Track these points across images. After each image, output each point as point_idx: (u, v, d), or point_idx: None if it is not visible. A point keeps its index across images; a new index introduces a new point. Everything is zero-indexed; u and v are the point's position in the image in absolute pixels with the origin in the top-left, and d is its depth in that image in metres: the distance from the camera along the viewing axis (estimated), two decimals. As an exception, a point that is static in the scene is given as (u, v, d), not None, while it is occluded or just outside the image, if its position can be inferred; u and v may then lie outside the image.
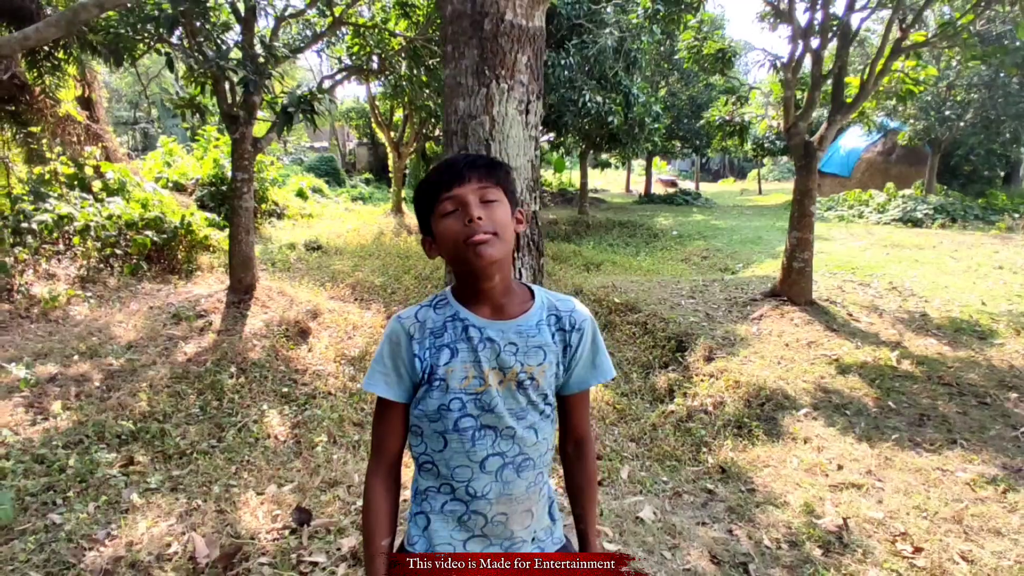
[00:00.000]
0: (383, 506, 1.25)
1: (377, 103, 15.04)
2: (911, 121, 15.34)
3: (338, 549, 2.77)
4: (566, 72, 9.58)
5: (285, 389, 4.64)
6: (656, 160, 25.37)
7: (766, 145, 20.02)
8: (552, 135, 13.37)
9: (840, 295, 7.33)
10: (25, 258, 6.82)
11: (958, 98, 14.62)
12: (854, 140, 18.58)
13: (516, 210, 1.25)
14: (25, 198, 7.48)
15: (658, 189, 23.45)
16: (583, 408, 1.35)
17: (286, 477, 3.40)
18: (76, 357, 5.06)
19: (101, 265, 7.53)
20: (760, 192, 25.04)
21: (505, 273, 1.21)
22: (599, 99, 10.00)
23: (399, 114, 15.96)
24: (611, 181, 30.51)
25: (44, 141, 8.75)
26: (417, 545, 1.25)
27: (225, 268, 7.71)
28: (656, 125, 11.44)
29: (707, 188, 27.58)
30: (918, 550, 2.82)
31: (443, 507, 1.23)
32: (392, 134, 15.40)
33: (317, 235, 11.77)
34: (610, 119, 10.17)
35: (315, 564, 2.66)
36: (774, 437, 4.16)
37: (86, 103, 9.43)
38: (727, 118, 8.31)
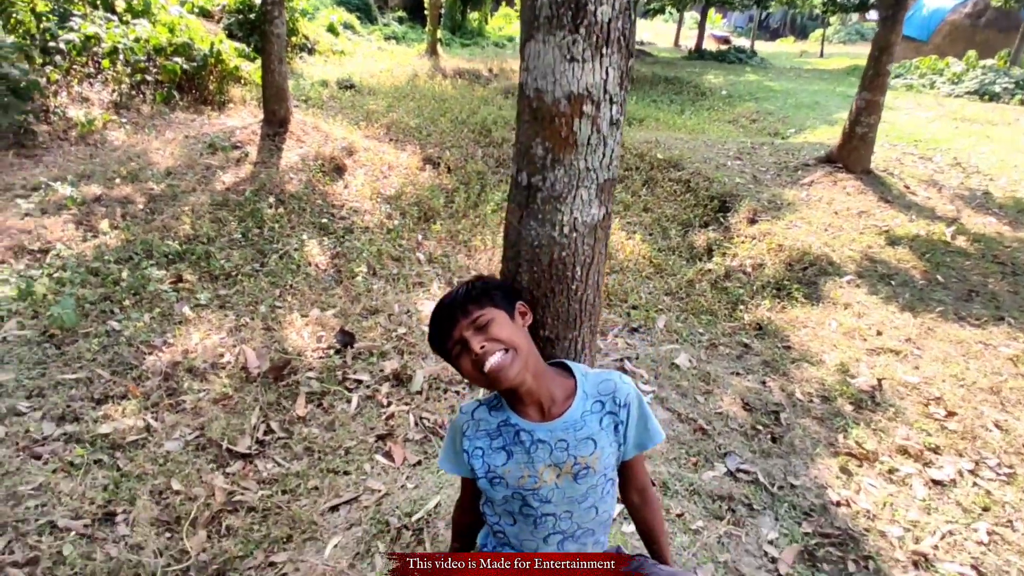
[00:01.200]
0: (459, 521, 1.57)
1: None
2: (1013, -24, 13.50)
3: (381, 371, 2.88)
4: None
5: (323, 220, 4.64)
6: (711, 13, 23.17)
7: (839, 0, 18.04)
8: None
9: (898, 167, 6.91)
10: (57, 79, 6.64)
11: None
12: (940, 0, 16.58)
13: (517, 305, 1.33)
14: (49, 16, 7.14)
15: (710, 45, 21.59)
16: (640, 467, 1.44)
17: (328, 302, 3.48)
18: (118, 180, 5.07)
19: (133, 91, 7.34)
20: (822, 55, 22.98)
21: (536, 372, 1.28)
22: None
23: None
24: (660, 34, 28.18)
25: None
26: None
27: (258, 102, 7.49)
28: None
29: (763, 47, 25.35)
30: (951, 414, 2.85)
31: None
32: (428, -34, 14.06)
33: (350, 73, 11.24)
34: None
35: (359, 382, 2.79)
36: (814, 300, 4.10)
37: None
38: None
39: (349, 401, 2.65)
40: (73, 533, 1.89)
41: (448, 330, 1.27)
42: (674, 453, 2.50)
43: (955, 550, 2.13)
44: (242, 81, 8.49)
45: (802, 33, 31.63)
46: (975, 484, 2.44)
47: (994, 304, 4.04)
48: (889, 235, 5.14)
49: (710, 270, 4.92)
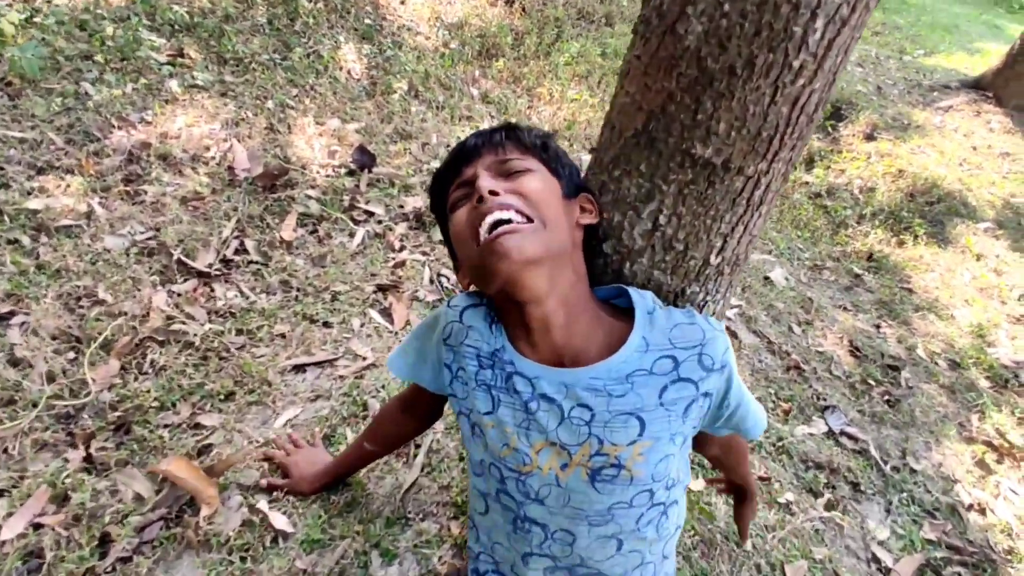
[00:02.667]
0: (388, 424, 1.12)
1: None
2: None
3: (400, 207, 2.25)
4: None
5: (368, 27, 3.81)
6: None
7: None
8: None
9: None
10: None
11: None
12: None
13: (579, 196, 0.81)
14: None
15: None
16: (741, 449, 1.04)
17: (352, 114, 2.78)
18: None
19: None
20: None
21: (565, 289, 0.73)
22: None
23: None
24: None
25: None
26: None
27: None
28: None
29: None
30: (1118, 416, 2.17)
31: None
32: None
33: None
34: None
35: (370, 214, 2.16)
36: (940, 242, 3.31)
37: None
38: None
39: (352, 235, 2.03)
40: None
41: (458, 165, 0.81)
42: (760, 391, 1.88)
43: None
44: None
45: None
46: None
47: None
48: (1039, 186, 4.19)
49: (808, 183, 4.08)
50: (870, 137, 4.70)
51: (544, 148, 0.82)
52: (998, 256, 3.24)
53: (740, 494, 1.16)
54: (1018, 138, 4.96)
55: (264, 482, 1.21)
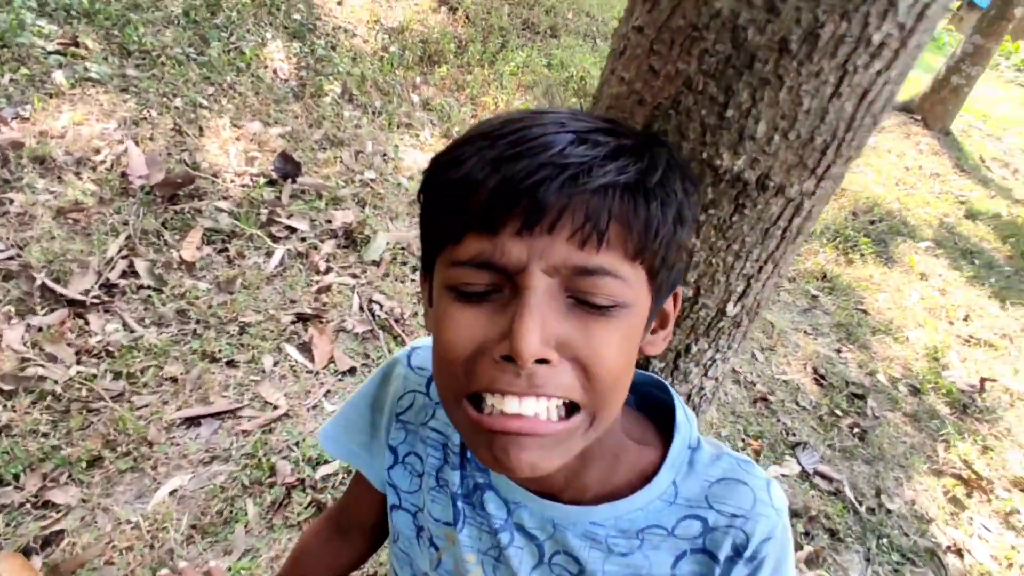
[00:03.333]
0: (311, 558, 0.74)
1: None
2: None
3: (327, 221, 1.98)
4: None
5: (299, 25, 3.52)
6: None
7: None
8: None
9: (969, 140, 6.04)
10: None
11: None
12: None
13: (674, 294, 0.49)
14: None
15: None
16: None
17: (277, 118, 2.49)
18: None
19: None
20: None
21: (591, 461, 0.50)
22: None
23: None
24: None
25: None
26: None
27: None
28: None
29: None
30: (1071, 441, 2.14)
31: None
32: None
33: None
34: None
35: (293, 230, 1.88)
36: (885, 261, 3.30)
37: None
38: None
39: (269, 254, 1.75)
40: None
41: (494, 221, 0.39)
42: (728, 429, 1.72)
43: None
44: None
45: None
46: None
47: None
48: (968, 207, 4.34)
49: (756, 201, 4.07)
50: (810, 156, 4.77)
51: (665, 246, 0.43)
52: (940, 275, 3.26)
53: None
54: (944, 159, 5.15)
55: None
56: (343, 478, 1.16)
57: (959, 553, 1.60)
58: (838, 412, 1.97)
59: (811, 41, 0.45)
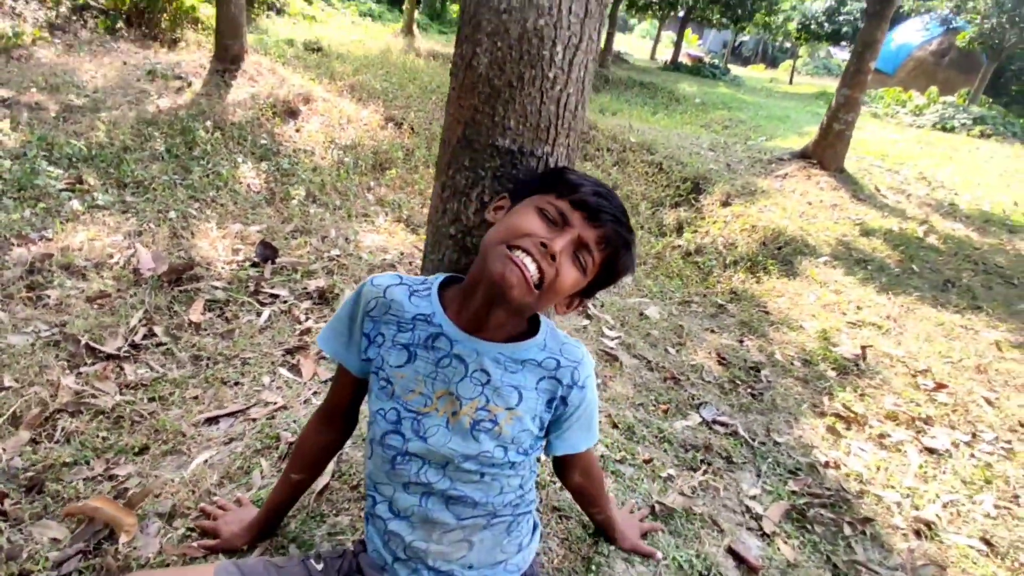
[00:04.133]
0: (310, 442, 1.17)
1: None
2: (979, 20, 13.95)
3: (304, 288, 2.43)
4: None
5: (264, 145, 4.12)
6: (687, 32, 23.37)
7: (812, 27, 18.44)
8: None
9: (867, 175, 6.84)
10: (-21, -16, 5.90)
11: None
12: (909, 35, 17.05)
13: (582, 300, 1.02)
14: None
15: (685, 62, 21.78)
16: (589, 463, 1.19)
17: (254, 219, 3.00)
18: (34, 89, 4.44)
19: (73, 15, 6.63)
20: (791, 83, 23.48)
21: (513, 318, 0.97)
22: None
23: (420, -84, 14.07)
24: (636, 48, 28.35)
25: None
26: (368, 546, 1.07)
27: (212, 49, 6.88)
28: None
29: (735, 70, 25.79)
30: (940, 386, 2.58)
31: (372, 512, 1.04)
32: (409, -61, 13.62)
33: (319, 37, 10.63)
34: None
35: (275, 296, 2.33)
36: (790, 276, 3.84)
37: None
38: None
39: (259, 314, 2.18)
40: None
41: (577, 207, 0.91)
42: (641, 399, 2.13)
43: (960, 520, 1.82)
44: (200, 25, 7.83)
45: (773, 63, 32.42)
46: (972, 456, 2.15)
47: (970, 295, 3.85)
48: (863, 227, 4.97)
49: (680, 245, 4.64)
50: (726, 203, 5.43)
51: (613, 273, 0.98)
52: (836, 281, 3.80)
53: (606, 528, 1.37)
54: (842, 192, 5.87)
55: (196, 544, 1.20)
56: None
57: (836, 467, 1.99)
58: (737, 382, 2.39)
59: (521, 80, 0.95)
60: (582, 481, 1.20)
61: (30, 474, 1.33)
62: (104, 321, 1.95)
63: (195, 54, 7.06)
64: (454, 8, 20.19)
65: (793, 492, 1.79)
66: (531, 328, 1.00)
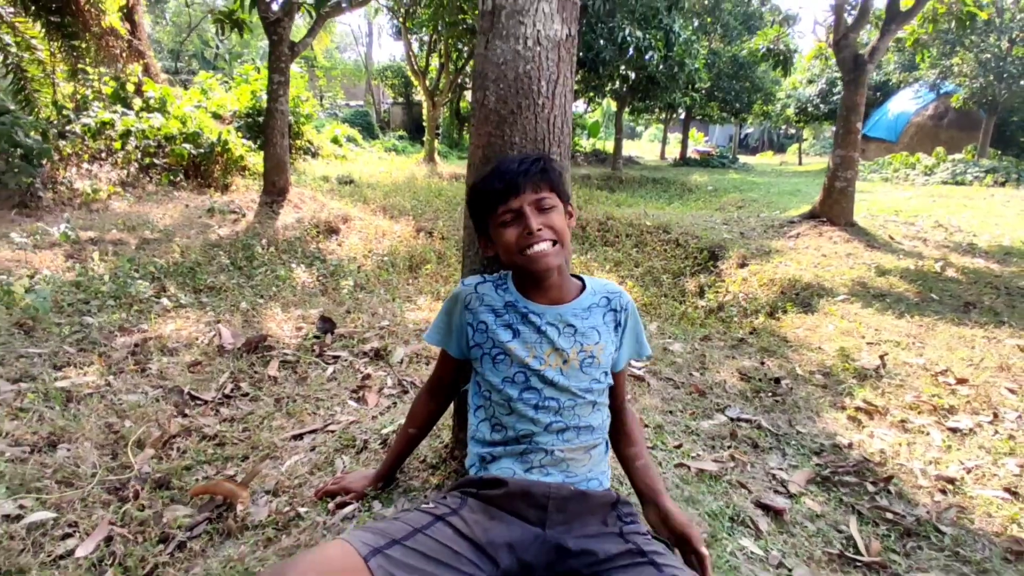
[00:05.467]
0: (421, 408, 1.48)
1: (414, 50, 14.93)
2: (967, 82, 14.63)
3: (361, 350, 2.77)
4: (605, 4, 9.33)
5: (311, 252, 4.65)
6: (692, 131, 24.79)
7: (809, 109, 19.42)
8: (586, 97, 13.18)
9: (881, 229, 7.08)
10: (69, 153, 6.97)
11: (1020, 54, 13.88)
12: (904, 104, 17.83)
13: (567, 207, 1.30)
14: (68, 106, 7.68)
15: (695, 157, 22.93)
16: (623, 380, 1.40)
17: (311, 305, 3.41)
18: (114, 231, 5.16)
19: (140, 173, 7.68)
20: (800, 163, 24.32)
21: (563, 269, 1.28)
22: (639, 34, 9.73)
23: (435, 63, 15.87)
24: (645, 150, 29.98)
25: (88, 57, 8.89)
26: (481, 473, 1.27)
27: (259, 188, 7.83)
28: (696, 65, 11.08)
29: (744, 158, 26.90)
30: (962, 381, 2.70)
31: (505, 450, 1.25)
32: (427, 83, 15.30)
33: (350, 172, 11.79)
34: (649, 55, 9.89)
35: (337, 357, 2.66)
36: (808, 312, 4.02)
37: (129, 17, 9.52)
38: (771, 47, 8.00)
39: (325, 369, 2.51)
40: (8, 454, 1.71)
41: (507, 194, 1.21)
42: (669, 407, 2.33)
43: (984, 479, 1.93)
44: (246, 171, 8.91)
45: (780, 148, 33.66)
46: (996, 432, 2.25)
47: (992, 313, 3.96)
48: (879, 268, 5.15)
49: (703, 305, 4.88)
50: (742, 265, 5.71)
51: (556, 183, 1.25)
52: (855, 314, 3.96)
53: (648, 493, 1.32)
54: (855, 243, 6.10)
55: (321, 486, 1.52)
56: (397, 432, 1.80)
57: (859, 446, 2.13)
58: (759, 391, 2.57)
59: (519, 108, 1.34)
60: (618, 408, 1.37)
61: (157, 476, 1.62)
62: (198, 380, 2.30)
63: (245, 194, 7.99)
64: (469, 136, 21.97)
65: (818, 464, 1.94)
66: (582, 285, 1.33)
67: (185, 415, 2.02)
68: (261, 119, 11.21)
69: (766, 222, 7.35)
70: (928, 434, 2.23)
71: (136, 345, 2.63)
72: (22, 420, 1.94)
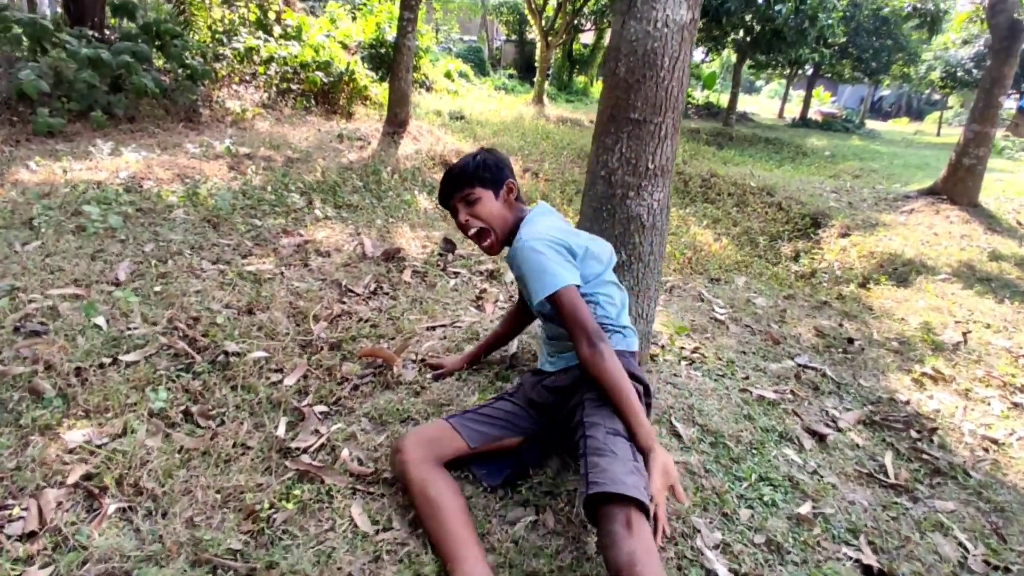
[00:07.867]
0: (509, 316, 1.96)
1: (533, -14, 14.85)
2: None
3: (478, 270, 3.21)
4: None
5: (431, 182, 5.13)
6: (819, 91, 23.11)
7: (959, 74, 17.63)
8: (705, 47, 12.67)
9: (1010, 213, 6.65)
10: (223, 75, 7.82)
11: None
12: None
13: (505, 184, 1.64)
14: (219, 33, 8.55)
15: (816, 119, 21.48)
16: (567, 316, 1.49)
17: (435, 228, 3.89)
18: (263, 148, 5.86)
19: (279, 96, 8.46)
20: (938, 134, 22.22)
21: (501, 237, 1.62)
22: (770, -17, 9.28)
23: (553, 1, 15.72)
24: (763, 107, 28.31)
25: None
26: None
27: (380, 116, 8.41)
28: (830, 21, 10.41)
29: (874, 125, 24.85)
30: (1041, 365, 2.78)
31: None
32: (543, 22, 15.23)
33: (461, 108, 12.21)
34: (778, 6, 9.43)
35: (458, 273, 3.13)
36: (901, 287, 4.07)
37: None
38: (917, 4, 7.45)
39: (449, 281, 2.99)
40: (224, 313, 2.30)
41: (446, 195, 1.65)
42: (743, 348, 2.62)
43: (1030, 445, 2.11)
44: (369, 100, 9.55)
45: (918, 116, 30.69)
46: (1060, 413, 2.39)
47: (1107, 310, 3.84)
48: (994, 253, 4.98)
49: (796, 270, 4.97)
50: (844, 235, 5.67)
51: (482, 178, 1.60)
52: (952, 293, 3.97)
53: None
54: (974, 225, 5.85)
55: (432, 363, 2.04)
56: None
57: (917, 405, 2.34)
58: (832, 347, 2.79)
59: (643, 77, 1.64)
60: (576, 342, 1.46)
61: (332, 340, 2.15)
62: (350, 276, 2.83)
63: (367, 123, 8.63)
64: (579, 79, 21.72)
65: (871, 411, 2.20)
66: None
67: (343, 302, 2.55)
68: (383, 51, 11.80)
69: (880, 194, 7.10)
70: (989, 404, 2.40)
71: (298, 246, 3.21)
72: (226, 291, 2.54)
